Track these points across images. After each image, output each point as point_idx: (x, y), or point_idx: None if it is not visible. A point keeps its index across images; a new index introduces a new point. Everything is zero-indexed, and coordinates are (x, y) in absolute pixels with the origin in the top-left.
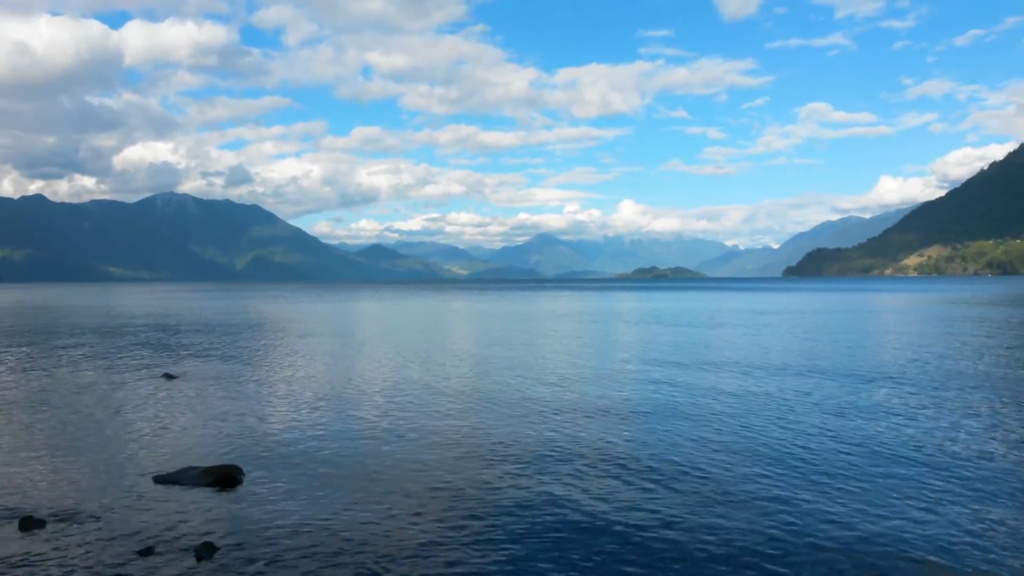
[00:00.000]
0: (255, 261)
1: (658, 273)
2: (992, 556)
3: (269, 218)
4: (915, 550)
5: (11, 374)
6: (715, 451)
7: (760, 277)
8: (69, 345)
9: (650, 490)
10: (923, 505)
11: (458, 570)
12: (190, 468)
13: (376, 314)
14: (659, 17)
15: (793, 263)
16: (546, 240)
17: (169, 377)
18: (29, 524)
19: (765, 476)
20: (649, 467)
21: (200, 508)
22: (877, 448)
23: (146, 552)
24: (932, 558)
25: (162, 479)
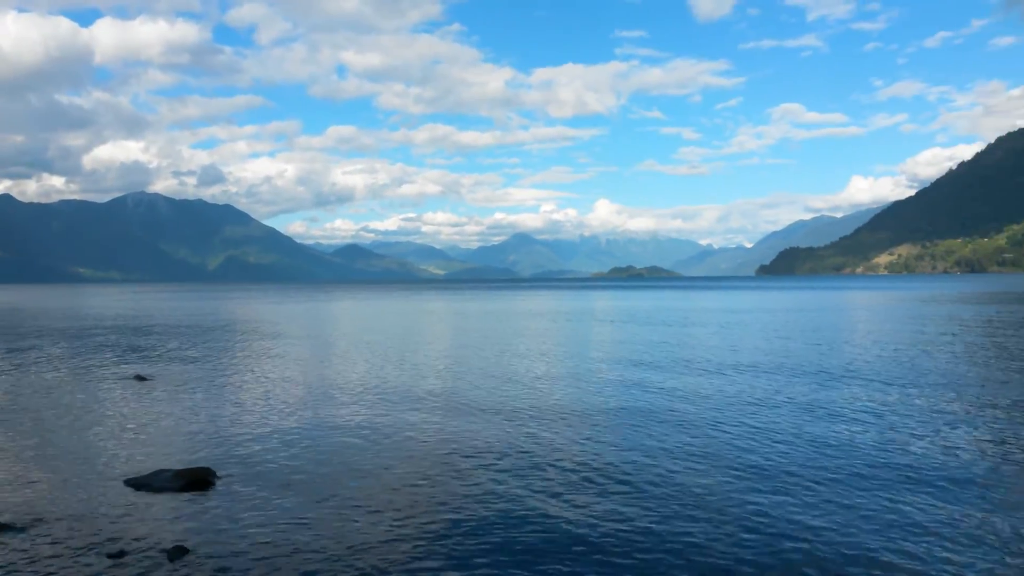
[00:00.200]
0: (228, 261)
1: (634, 272)
2: (957, 558)
3: (242, 218)
4: (879, 553)
5: None
6: (682, 454)
7: (734, 276)
8: (37, 348)
9: (615, 494)
10: (888, 506)
11: (428, 573)
12: (162, 471)
13: (351, 315)
14: (634, 17)
15: (766, 262)
16: (522, 240)
17: (140, 379)
18: None
19: (730, 480)
20: (615, 470)
21: (172, 511)
22: (843, 448)
23: (117, 556)
24: (896, 560)
25: (133, 482)
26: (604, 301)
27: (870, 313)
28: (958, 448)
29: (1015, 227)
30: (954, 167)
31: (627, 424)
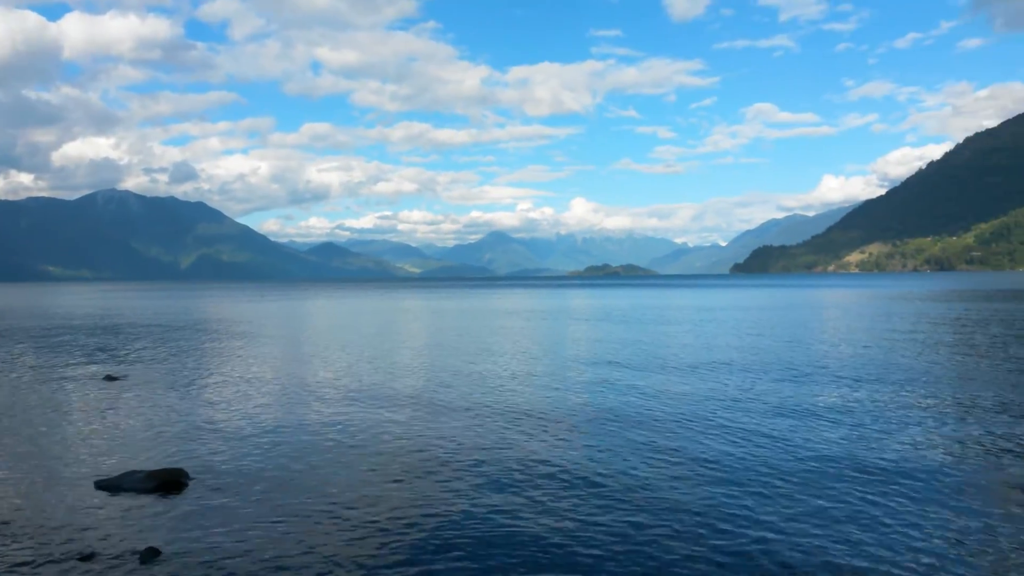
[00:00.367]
0: (201, 260)
1: (610, 271)
2: (921, 559)
3: (215, 216)
4: (842, 554)
5: None
6: (650, 454)
7: (708, 274)
8: (3, 348)
9: (582, 493)
10: (853, 506)
11: (400, 573)
12: (133, 472)
13: (325, 313)
14: (609, 17)
15: (740, 260)
16: (499, 238)
17: (111, 379)
18: None
19: (695, 479)
20: (582, 470)
21: (144, 513)
22: (810, 448)
23: (87, 558)
24: (857, 562)
25: (104, 484)
26: (580, 299)
27: (841, 311)
28: (922, 446)
29: (983, 226)
30: (923, 167)
31: (598, 424)
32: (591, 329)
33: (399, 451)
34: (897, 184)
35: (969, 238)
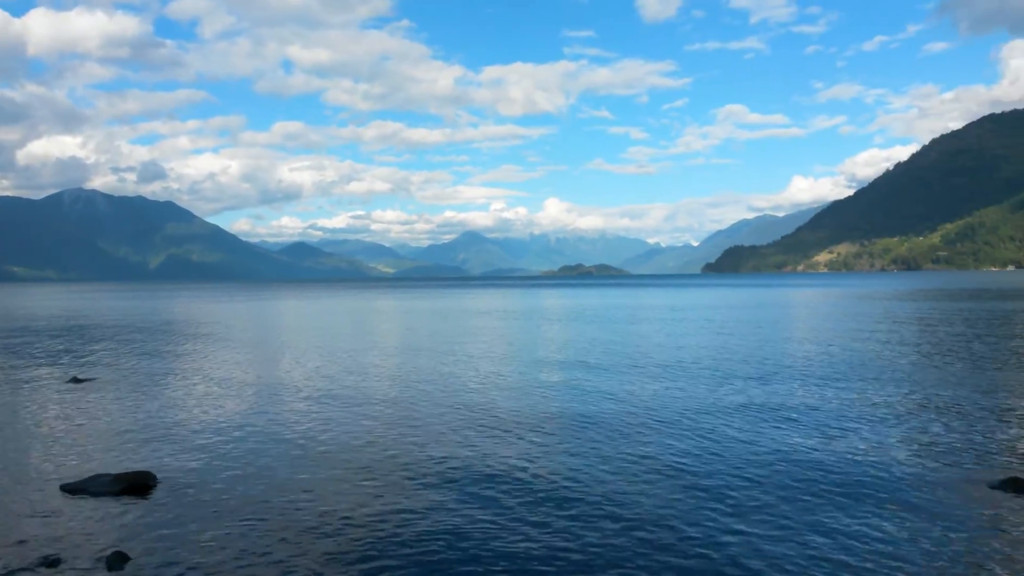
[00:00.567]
0: (170, 260)
1: (583, 270)
2: (877, 567)
3: (185, 215)
4: (802, 562)
5: None
6: (617, 459)
7: (681, 274)
8: None
9: (544, 503)
10: (813, 511)
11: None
12: (100, 475)
13: (297, 314)
14: (582, 17)
15: (712, 260)
16: (473, 238)
17: (77, 381)
18: None
19: (657, 486)
20: (545, 474)
21: (111, 517)
22: (773, 451)
23: (52, 564)
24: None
25: (70, 487)
26: (553, 299)
27: (809, 311)
28: (883, 447)
29: (949, 226)
30: (891, 168)
31: (563, 427)
32: (563, 329)
33: (366, 452)
34: (865, 185)
35: (935, 238)
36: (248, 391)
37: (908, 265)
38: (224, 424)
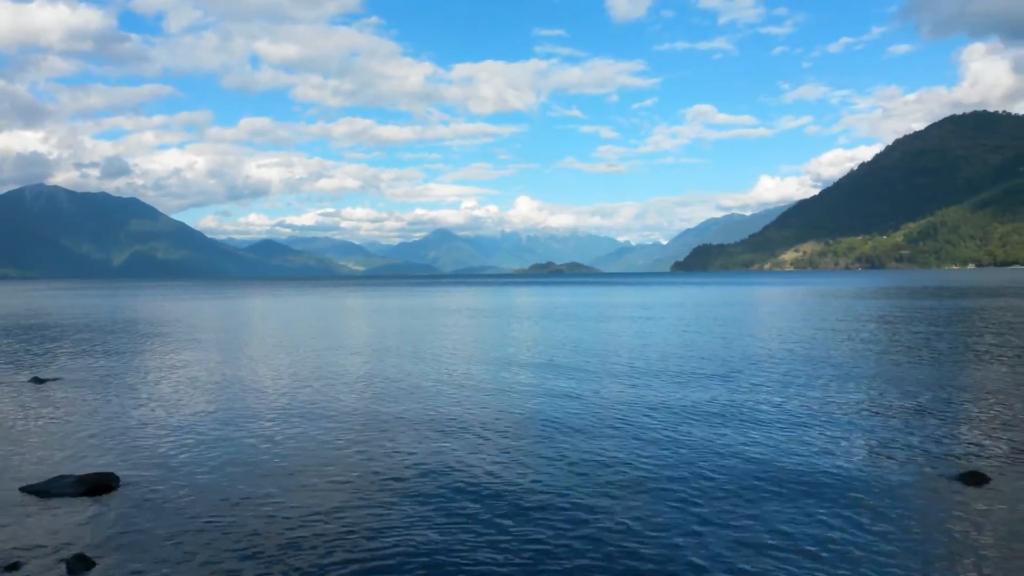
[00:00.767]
0: (135, 257)
1: (554, 268)
2: (841, 565)
3: (150, 212)
4: (758, 565)
5: None
6: (581, 464)
7: (650, 272)
8: None
9: (505, 508)
10: (769, 514)
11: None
12: (62, 477)
13: (263, 312)
14: (553, 16)
15: (681, 258)
16: (443, 236)
17: (38, 381)
18: None
19: (622, 491)
20: (509, 480)
21: (73, 519)
22: (732, 453)
23: (12, 568)
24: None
25: (31, 489)
26: (524, 297)
27: (775, 309)
28: (843, 447)
29: (911, 225)
30: (855, 168)
31: (529, 429)
32: (532, 328)
33: (329, 454)
34: (830, 185)
35: (898, 237)
36: (211, 391)
37: (872, 263)
38: (187, 425)
